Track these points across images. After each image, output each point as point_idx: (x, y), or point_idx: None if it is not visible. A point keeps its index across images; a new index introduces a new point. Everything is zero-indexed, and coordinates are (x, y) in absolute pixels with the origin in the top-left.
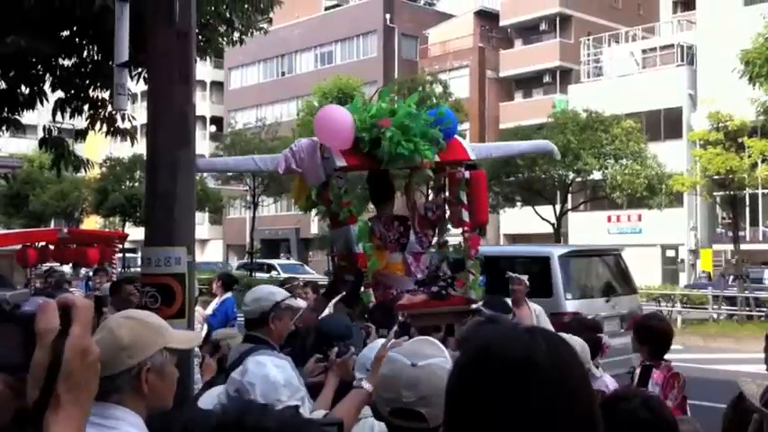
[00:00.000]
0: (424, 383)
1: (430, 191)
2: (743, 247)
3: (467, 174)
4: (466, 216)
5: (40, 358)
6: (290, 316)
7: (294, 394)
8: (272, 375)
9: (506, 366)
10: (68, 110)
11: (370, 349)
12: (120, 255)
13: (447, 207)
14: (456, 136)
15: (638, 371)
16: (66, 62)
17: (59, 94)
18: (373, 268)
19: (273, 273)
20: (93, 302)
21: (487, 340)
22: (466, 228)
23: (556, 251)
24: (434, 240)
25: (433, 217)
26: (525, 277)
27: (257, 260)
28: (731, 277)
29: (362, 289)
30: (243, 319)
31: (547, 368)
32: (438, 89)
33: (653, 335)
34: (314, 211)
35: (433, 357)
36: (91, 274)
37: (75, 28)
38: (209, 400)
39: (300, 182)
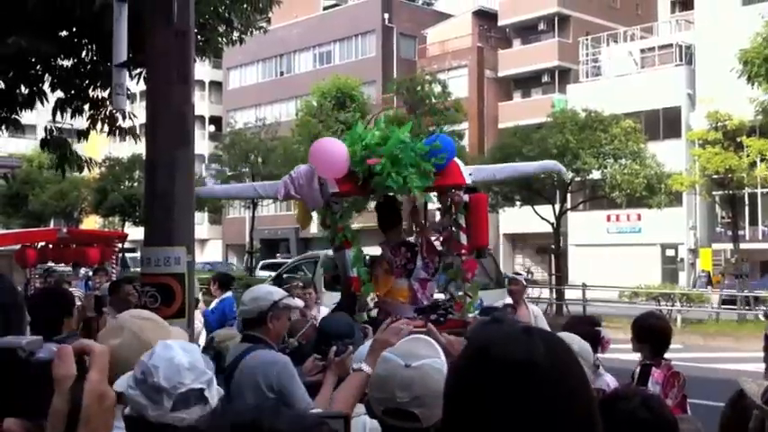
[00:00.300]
0: (417, 384)
1: (437, 211)
2: (742, 246)
3: (465, 197)
4: (464, 239)
5: (59, 404)
6: (287, 315)
7: (199, 377)
8: (177, 358)
9: (506, 367)
10: (69, 110)
11: (366, 347)
12: (120, 254)
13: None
14: (455, 159)
15: (637, 370)
16: (66, 62)
17: (59, 94)
18: (367, 292)
19: (300, 273)
20: (107, 348)
21: (486, 341)
22: (463, 251)
23: None
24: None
25: (441, 238)
26: (522, 277)
27: (280, 260)
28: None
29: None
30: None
31: (546, 368)
32: (437, 89)
33: (651, 333)
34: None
35: (426, 358)
36: (90, 273)
37: (74, 28)
38: (121, 383)
39: (303, 206)
